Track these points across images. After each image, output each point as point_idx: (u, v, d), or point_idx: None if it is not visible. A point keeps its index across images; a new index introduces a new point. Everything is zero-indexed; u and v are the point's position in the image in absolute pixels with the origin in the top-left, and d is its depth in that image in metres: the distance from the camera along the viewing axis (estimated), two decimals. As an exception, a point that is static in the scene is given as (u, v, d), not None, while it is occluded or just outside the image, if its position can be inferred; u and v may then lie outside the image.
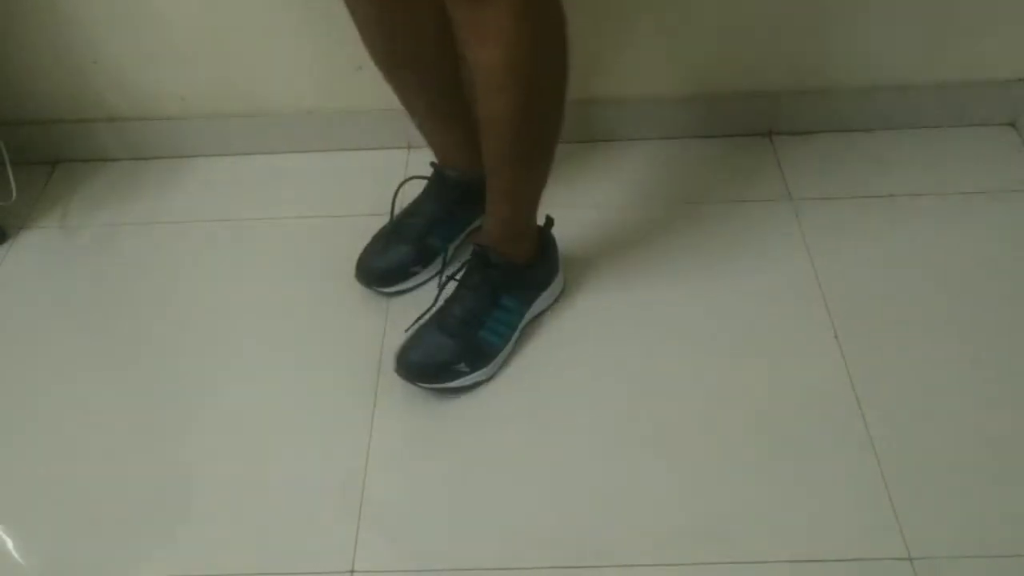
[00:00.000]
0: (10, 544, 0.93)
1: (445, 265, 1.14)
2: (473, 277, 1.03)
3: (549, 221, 1.05)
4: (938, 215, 1.19)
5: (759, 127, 1.33)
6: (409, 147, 1.35)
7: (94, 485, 0.97)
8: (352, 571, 0.89)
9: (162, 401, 1.05)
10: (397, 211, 1.16)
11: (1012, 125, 1.31)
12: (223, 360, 1.09)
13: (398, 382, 1.03)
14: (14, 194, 1.24)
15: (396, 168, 1.32)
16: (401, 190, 1.14)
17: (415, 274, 1.13)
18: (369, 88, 1.28)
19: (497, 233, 1.01)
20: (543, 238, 1.06)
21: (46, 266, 1.23)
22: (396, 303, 1.13)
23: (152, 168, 1.36)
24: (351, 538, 0.91)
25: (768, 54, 1.25)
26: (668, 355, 1.05)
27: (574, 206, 1.22)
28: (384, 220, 1.16)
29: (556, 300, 1.11)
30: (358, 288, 1.15)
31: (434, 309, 1.04)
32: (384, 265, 1.12)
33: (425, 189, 1.16)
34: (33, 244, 1.26)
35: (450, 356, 1.00)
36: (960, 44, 1.23)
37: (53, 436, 1.02)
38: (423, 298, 1.12)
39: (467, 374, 1.01)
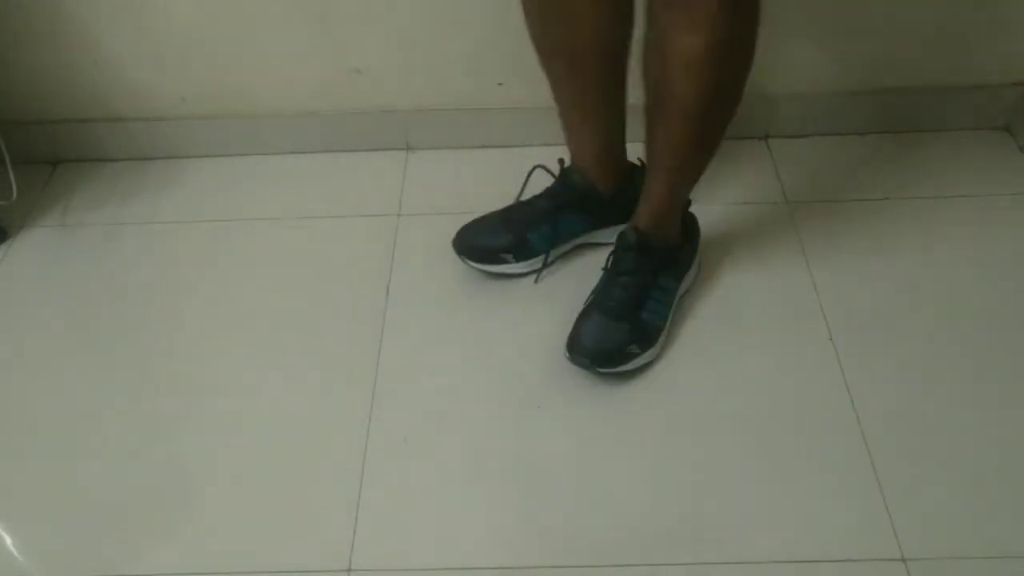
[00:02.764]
0: (9, 542, 0.94)
1: (545, 266, 1.15)
2: (628, 262, 1.04)
3: (688, 201, 1.07)
4: (933, 218, 1.20)
5: (755, 130, 1.34)
6: (408, 148, 1.36)
7: (93, 483, 0.98)
8: (349, 569, 0.89)
9: (161, 399, 1.05)
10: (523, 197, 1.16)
11: (1007, 129, 1.32)
12: (222, 359, 1.09)
13: (393, 383, 1.04)
14: (14, 194, 1.24)
15: (395, 169, 1.32)
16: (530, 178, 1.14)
17: (504, 261, 1.13)
18: (368, 89, 1.29)
19: (653, 218, 1.03)
20: (686, 219, 1.09)
21: (46, 265, 1.23)
22: (391, 315, 1.13)
23: (152, 168, 1.36)
24: (348, 536, 0.91)
25: (764, 58, 1.25)
26: (661, 357, 1.06)
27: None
28: (381, 220, 1.16)
29: (694, 280, 1.13)
30: (356, 290, 1.15)
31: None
32: (480, 243, 1.13)
33: (550, 185, 1.15)
34: (33, 243, 1.26)
35: (623, 339, 1.02)
36: (955, 48, 1.24)
37: (52, 434, 1.03)
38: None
39: (638, 355, 1.03)
